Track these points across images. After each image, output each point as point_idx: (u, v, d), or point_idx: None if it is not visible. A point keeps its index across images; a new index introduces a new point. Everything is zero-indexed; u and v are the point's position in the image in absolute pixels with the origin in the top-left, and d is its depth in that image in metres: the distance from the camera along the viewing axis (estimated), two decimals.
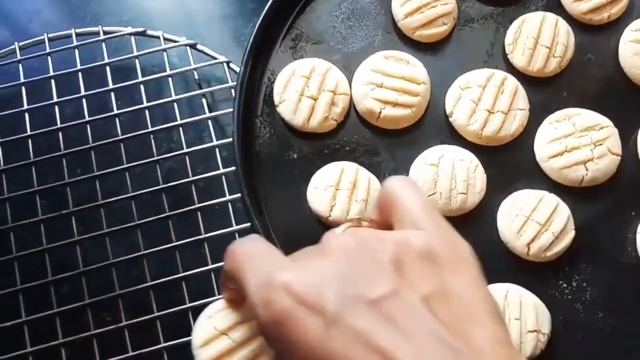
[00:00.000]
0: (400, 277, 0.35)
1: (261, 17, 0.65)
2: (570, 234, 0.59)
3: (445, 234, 0.38)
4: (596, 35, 0.67)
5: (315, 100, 0.62)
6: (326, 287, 0.34)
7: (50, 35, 0.72)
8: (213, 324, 0.51)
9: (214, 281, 0.62)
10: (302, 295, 0.34)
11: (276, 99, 0.63)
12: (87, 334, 0.61)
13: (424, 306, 0.34)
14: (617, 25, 0.67)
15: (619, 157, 0.62)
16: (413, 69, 0.64)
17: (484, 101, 0.62)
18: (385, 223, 0.42)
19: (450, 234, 0.39)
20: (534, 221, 0.59)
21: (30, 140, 0.67)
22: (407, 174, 0.62)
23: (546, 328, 0.56)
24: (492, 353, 0.33)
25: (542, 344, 0.56)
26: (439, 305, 0.34)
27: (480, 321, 0.34)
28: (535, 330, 0.56)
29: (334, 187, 0.59)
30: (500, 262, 0.60)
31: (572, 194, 0.61)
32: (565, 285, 0.59)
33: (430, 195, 0.60)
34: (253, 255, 0.39)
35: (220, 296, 0.55)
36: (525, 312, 0.56)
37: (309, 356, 0.33)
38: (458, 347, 0.32)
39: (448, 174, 0.60)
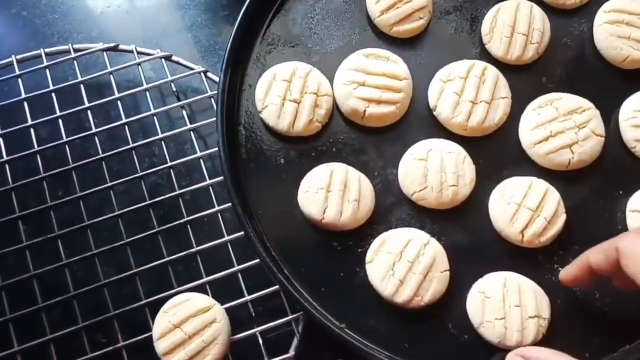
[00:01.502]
0: None
1: (236, 24, 0.64)
2: (562, 217, 0.59)
3: None
4: (570, 19, 0.68)
5: (298, 103, 0.62)
6: None
7: (18, 57, 0.70)
8: (168, 319, 0.58)
9: (210, 294, 0.61)
10: None
11: (258, 105, 0.62)
12: (85, 357, 0.59)
13: None
14: (589, 7, 0.68)
15: (603, 138, 0.62)
16: (394, 66, 0.63)
17: (467, 92, 0.62)
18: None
19: None
20: (525, 207, 0.59)
21: (7, 166, 0.65)
22: (396, 171, 0.62)
23: (546, 312, 0.57)
24: None
25: (543, 329, 0.56)
26: None
27: None
28: (535, 316, 0.56)
29: (325, 190, 0.59)
30: (495, 251, 0.60)
31: (560, 177, 0.62)
32: (560, 268, 0.59)
33: (421, 190, 0.60)
34: None
35: (176, 290, 0.60)
36: (524, 298, 0.56)
37: None
38: None
39: (437, 167, 0.60)
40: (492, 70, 0.63)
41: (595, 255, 0.52)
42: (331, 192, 0.59)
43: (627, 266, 0.49)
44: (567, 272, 0.56)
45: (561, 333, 0.58)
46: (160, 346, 0.57)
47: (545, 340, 0.56)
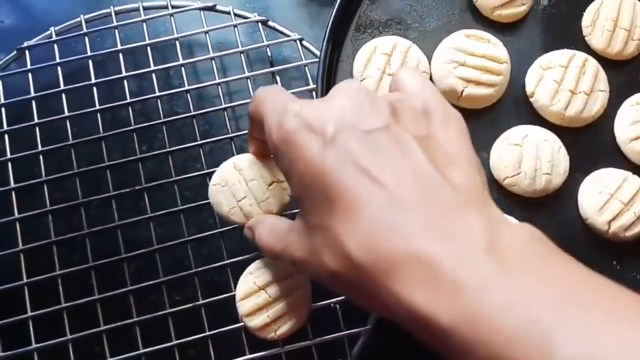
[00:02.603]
0: (394, 119, 0.40)
1: None
2: None
3: (441, 100, 0.44)
4: None
5: None
6: (329, 117, 0.40)
7: (116, 8, 0.70)
8: (252, 280, 0.57)
9: None
10: (308, 120, 0.40)
11: (356, 76, 0.62)
12: (164, 312, 0.60)
13: (414, 142, 0.39)
14: None
15: None
16: (494, 48, 0.63)
17: (567, 82, 0.61)
18: None
19: (444, 102, 0.44)
20: (617, 199, 0.58)
21: (99, 115, 0.66)
22: (488, 154, 0.61)
23: None
24: (468, 191, 0.38)
25: None
26: (425, 147, 0.39)
27: (460, 167, 0.39)
28: None
29: None
30: (581, 243, 0.59)
31: None
32: None
33: (514, 175, 0.59)
34: (272, 93, 0.46)
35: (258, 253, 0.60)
36: None
37: (307, 170, 0.39)
38: (437, 180, 0.37)
39: (532, 154, 0.59)
40: (593, 62, 0.63)
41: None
42: None
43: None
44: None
45: None
46: (243, 307, 0.57)
47: None
